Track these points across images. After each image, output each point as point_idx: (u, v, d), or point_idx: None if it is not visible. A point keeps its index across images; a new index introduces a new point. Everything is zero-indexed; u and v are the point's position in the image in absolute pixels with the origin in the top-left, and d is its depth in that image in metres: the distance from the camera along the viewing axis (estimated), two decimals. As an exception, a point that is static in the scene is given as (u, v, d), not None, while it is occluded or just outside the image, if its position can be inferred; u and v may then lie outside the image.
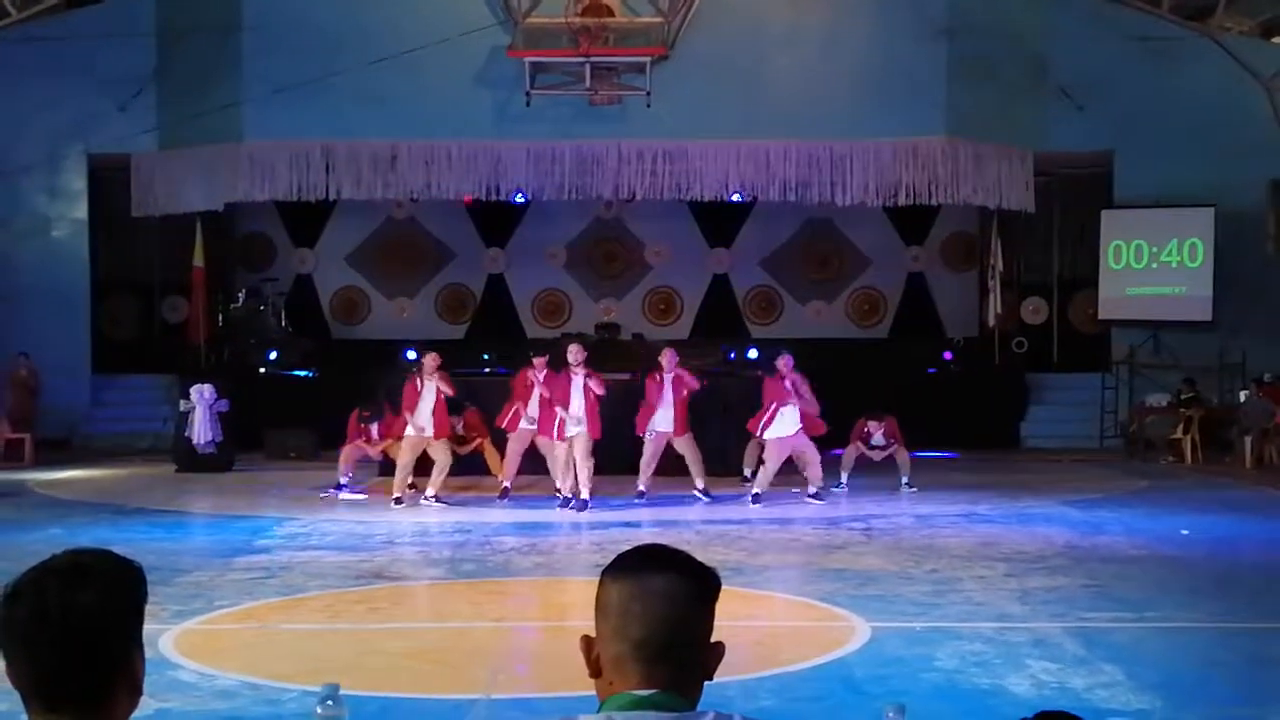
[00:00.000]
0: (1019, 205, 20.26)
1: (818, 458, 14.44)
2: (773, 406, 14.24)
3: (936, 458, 18.12)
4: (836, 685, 7.11)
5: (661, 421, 14.61)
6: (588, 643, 2.12)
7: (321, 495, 14.91)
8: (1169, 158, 20.13)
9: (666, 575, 2.09)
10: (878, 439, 15.92)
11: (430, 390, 14.29)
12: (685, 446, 14.64)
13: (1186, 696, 6.86)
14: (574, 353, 14.03)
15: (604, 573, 2.15)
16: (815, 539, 12.26)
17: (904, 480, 15.55)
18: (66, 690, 1.99)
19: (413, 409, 14.35)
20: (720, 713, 2.03)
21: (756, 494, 14.25)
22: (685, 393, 14.57)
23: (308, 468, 17.43)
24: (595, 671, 2.11)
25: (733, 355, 20.80)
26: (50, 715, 1.99)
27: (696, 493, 14.58)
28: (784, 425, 14.27)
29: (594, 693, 2.10)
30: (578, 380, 13.85)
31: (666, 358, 14.76)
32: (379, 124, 19.27)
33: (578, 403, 13.76)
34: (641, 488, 14.58)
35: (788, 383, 14.24)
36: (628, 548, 2.22)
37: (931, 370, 21.37)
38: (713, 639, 2.12)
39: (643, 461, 14.65)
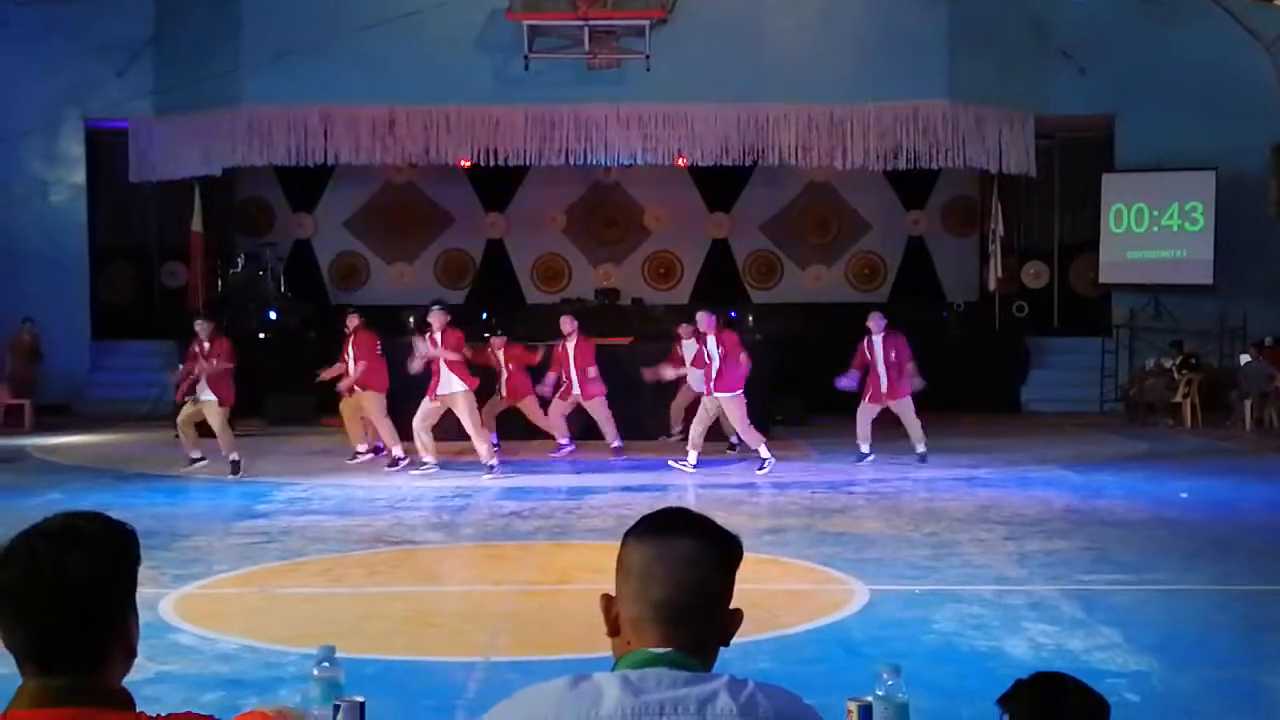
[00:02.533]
0: (1020, 169, 20.20)
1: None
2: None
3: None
4: (835, 648, 7.13)
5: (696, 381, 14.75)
6: (607, 601, 2.14)
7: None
8: (1170, 121, 20.07)
9: (691, 538, 2.11)
10: (880, 362, 14.65)
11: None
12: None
13: (1185, 658, 6.87)
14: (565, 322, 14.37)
15: (627, 533, 2.16)
16: (815, 503, 12.27)
17: (918, 450, 14.75)
18: (60, 652, 1.99)
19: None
20: (735, 677, 2.03)
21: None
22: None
23: (307, 432, 17.44)
24: (614, 630, 2.13)
25: (734, 314, 20.61)
26: (44, 677, 1.99)
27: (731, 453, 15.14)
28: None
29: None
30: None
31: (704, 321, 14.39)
32: (377, 88, 19.19)
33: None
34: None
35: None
36: (647, 511, 2.23)
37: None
38: (732, 605, 2.14)
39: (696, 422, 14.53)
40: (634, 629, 2.09)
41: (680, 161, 20.11)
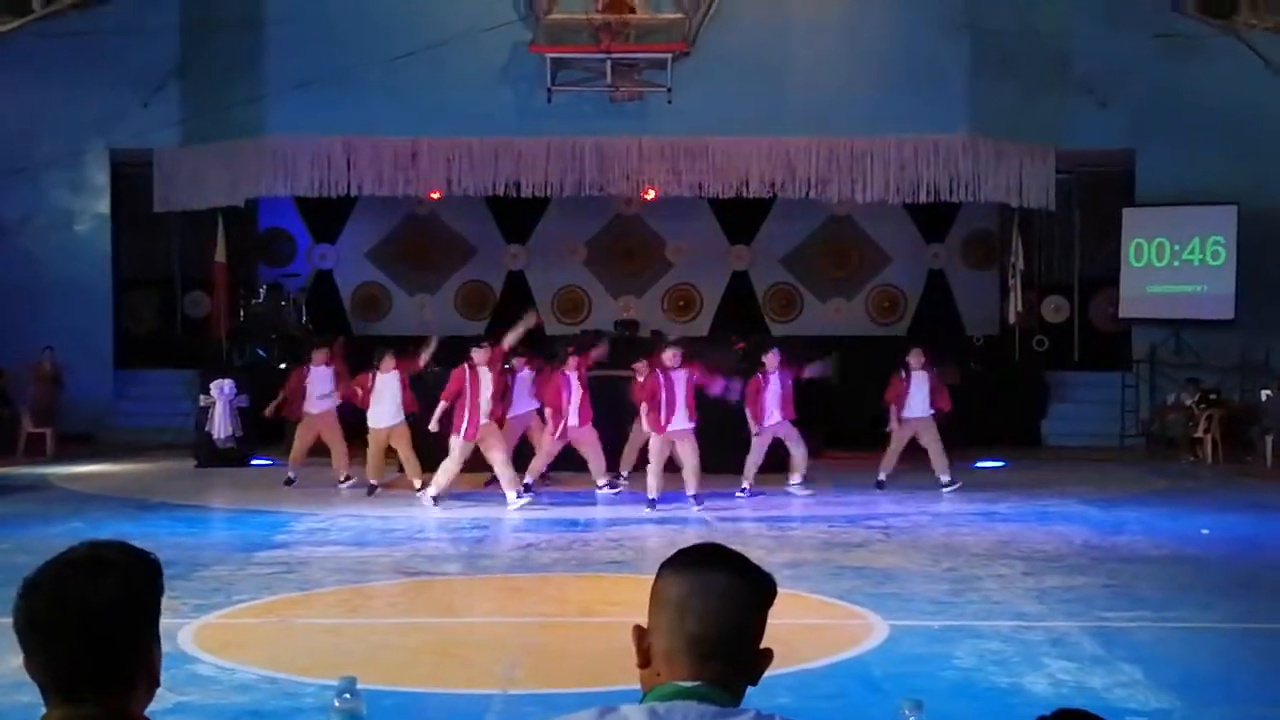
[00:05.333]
0: (1040, 203, 20.19)
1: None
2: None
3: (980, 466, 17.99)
4: (854, 683, 7.11)
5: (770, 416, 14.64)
6: (639, 633, 2.15)
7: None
8: (1191, 155, 20.04)
9: (728, 575, 2.13)
10: (919, 394, 14.96)
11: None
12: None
13: (1206, 696, 6.83)
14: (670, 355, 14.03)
15: (664, 565, 2.17)
16: (833, 537, 12.24)
17: (943, 480, 15.01)
18: (85, 681, 2.01)
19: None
20: (761, 712, 2.05)
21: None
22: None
23: (327, 462, 17.47)
24: (644, 662, 2.14)
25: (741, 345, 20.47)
26: (69, 706, 2.01)
27: (792, 488, 14.91)
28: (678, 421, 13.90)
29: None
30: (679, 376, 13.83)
31: (771, 357, 14.76)
32: (400, 120, 19.30)
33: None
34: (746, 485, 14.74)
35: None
36: (673, 544, 2.24)
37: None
38: (763, 645, 2.15)
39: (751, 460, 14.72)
40: (665, 661, 2.10)
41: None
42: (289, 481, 15.43)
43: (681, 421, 13.75)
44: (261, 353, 20.98)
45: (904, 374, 15.17)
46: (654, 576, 2.18)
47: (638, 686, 2.17)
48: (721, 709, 2.03)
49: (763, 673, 2.15)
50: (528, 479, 14.48)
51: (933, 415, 15.15)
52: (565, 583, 10.21)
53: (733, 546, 2.24)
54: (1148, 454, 19.42)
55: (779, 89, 19.49)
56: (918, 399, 15.10)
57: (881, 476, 15.24)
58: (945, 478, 15.09)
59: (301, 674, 7.15)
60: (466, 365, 13.88)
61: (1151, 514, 13.66)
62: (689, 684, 2.05)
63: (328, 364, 15.61)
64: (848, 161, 19.64)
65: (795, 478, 14.95)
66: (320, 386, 15.44)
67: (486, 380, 13.79)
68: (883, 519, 13.36)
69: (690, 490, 13.87)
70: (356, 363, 15.77)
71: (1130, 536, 12.28)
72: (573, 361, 14.66)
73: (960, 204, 21.02)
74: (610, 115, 19.23)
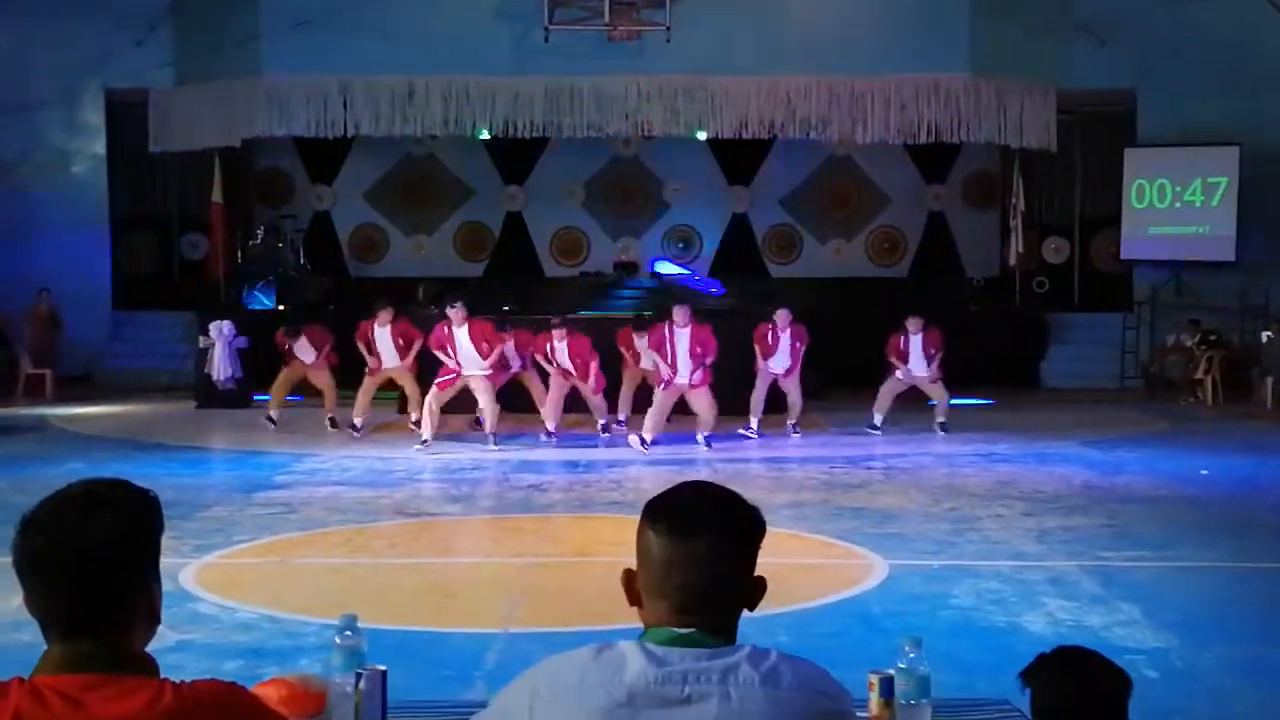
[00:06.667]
0: (1041, 144, 20.08)
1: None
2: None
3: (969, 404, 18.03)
4: (854, 622, 7.14)
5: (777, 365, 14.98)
6: (629, 576, 2.17)
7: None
8: (1193, 95, 19.93)
9: (711, 537, 2.11)
10: (916, 355, 15.08)
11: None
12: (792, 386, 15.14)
13: (1204, 635, 6.86)
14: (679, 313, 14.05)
15: (646, 515, 2.16)
16: (833, 477, 12.27)
17: (939, 421, 15.15)
18: (84, 618, 2.00)
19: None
20: (756, 646, 2.07)
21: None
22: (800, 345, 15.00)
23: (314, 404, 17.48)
24: (636, 602, 2.17)
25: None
26: (68, 643, 2.00)
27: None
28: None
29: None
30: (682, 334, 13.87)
31: (781, 316, 15.01)
32: (396, 59, 19.15)
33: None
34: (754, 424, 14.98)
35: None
36: (672, 484, 2.22)
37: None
38: (755, 574, 2.16)
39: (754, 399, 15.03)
40: (656, 606, 2.12)
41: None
42: (354, 427, 15.06)
43: (684, 376, 13.85)
44: (263, 298, 20.89)
45: (903, 339, 15.23)
46: (640, 516, 2.17)
47: (637, 625, 2.17)
48: (716, 649, 2.05)
49: (759, 601, 2.16)
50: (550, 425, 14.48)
51: (932, 376, 15.19)
52: (565, 523, 10.24)
53: (733, 489, 2.23)
54: (1147, 395, 19.44)
55: (778, 28, 19.33)
56: (917, 363, 15.16)
57: (876, 420, 15.23)
58: (941, 419, 15.18)
59: (303, 613, 7.17)
60: (443, 324, 14.10)
61: (1151, 455, 13.69)
62: (683, 630, 2.07)
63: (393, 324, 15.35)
64: (848, 101, 19.52)
65: (791, 418, 15.14)
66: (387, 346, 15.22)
67: (463, 339, 13.88)
68: (883, 460, 13.38)
69: (701, 429, 14.03)
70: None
71: (1129, 477, 12.31)
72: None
73: (961, 144, 20.91)
74: (608, 54, 19.07)
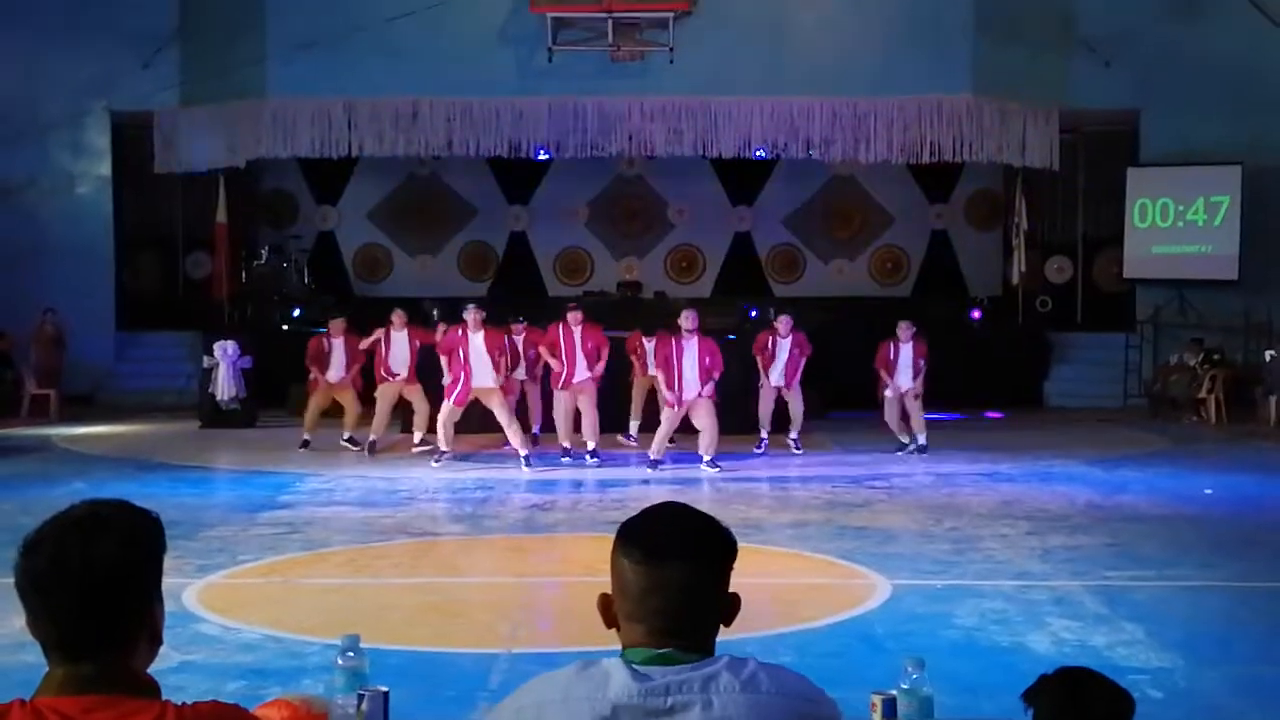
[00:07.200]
0: (1044, 163, 20.11)
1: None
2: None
3: (955, 420, 18.03)
4: (856, 642, 7.12)
5: (776, 376, 15.02)
6: (605, 600, 2.21)
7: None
8: (1196, 115, 19.95)
9: (683, 563, 2.15)
10: (905, 364, 15.01)
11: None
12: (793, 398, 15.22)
13: (1208, 656, 6.85)
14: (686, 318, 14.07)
15: (619, 541, 2.21)
16: (836, 497, 12.25)
17: (918, 441, 15.10)
18: (87, 640, 2.00)
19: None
20: (735, 656, 2.12)
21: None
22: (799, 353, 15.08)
23: (330, 424, 17.47)
24: (611, 624, 2.21)
25: (754, 313, 20.63)
26: (71, 665, 2.00)
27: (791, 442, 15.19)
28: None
29: (613, 647, 2.16)
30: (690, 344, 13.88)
31: (782, 322, 15.17)
32: (401, 80, 19.22)
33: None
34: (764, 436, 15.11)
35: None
36: (641, 509, 2.24)
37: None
38: (730, 591, 2.19)
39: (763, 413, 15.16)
40: (631, 633, 2.16)
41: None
42: (374, 446, 15.04)
43: (692, 390, 13.77)
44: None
45: (894, 346, 15.22)
46: (614, 540, 2.21)
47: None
48: (694, 665, 2.09)
49: (733, 617, 2.20)
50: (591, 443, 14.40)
51: (916, 391, 15.16)
52: (569, 543, 10.24)
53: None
54: (1151, 414, 19.42)
55: (781, 48, 19.40)
56: (904, 371, 15.14)
57: (905, 440, 15.22)
58: (921, 439, 15.11)
59: (305, 633, 7.17)
60: (457, 327, 14.16)
61: (1154, 474, 13.67)
62: (660, 650, 2.11)
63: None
64: (851, 121, 19.56)
65: (793, 432, 15.17)
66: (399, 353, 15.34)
67: (478, 344, 13.84)
68: (885, 479, 13.37)
69: (703, 451, 13.84)
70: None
71: (1133, 496, 12.29)
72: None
73: (964, 164, 20.95)
74: (611, 75, 19.14)
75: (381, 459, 14.78)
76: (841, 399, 17.89)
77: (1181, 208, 20.51)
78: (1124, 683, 2.85)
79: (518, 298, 21.80)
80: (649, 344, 14.99)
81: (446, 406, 13.96)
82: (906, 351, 15.13)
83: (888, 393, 15.14)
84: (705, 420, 13.79)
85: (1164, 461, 14.70)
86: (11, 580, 2.02)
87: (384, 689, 2.86)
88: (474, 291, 23.05)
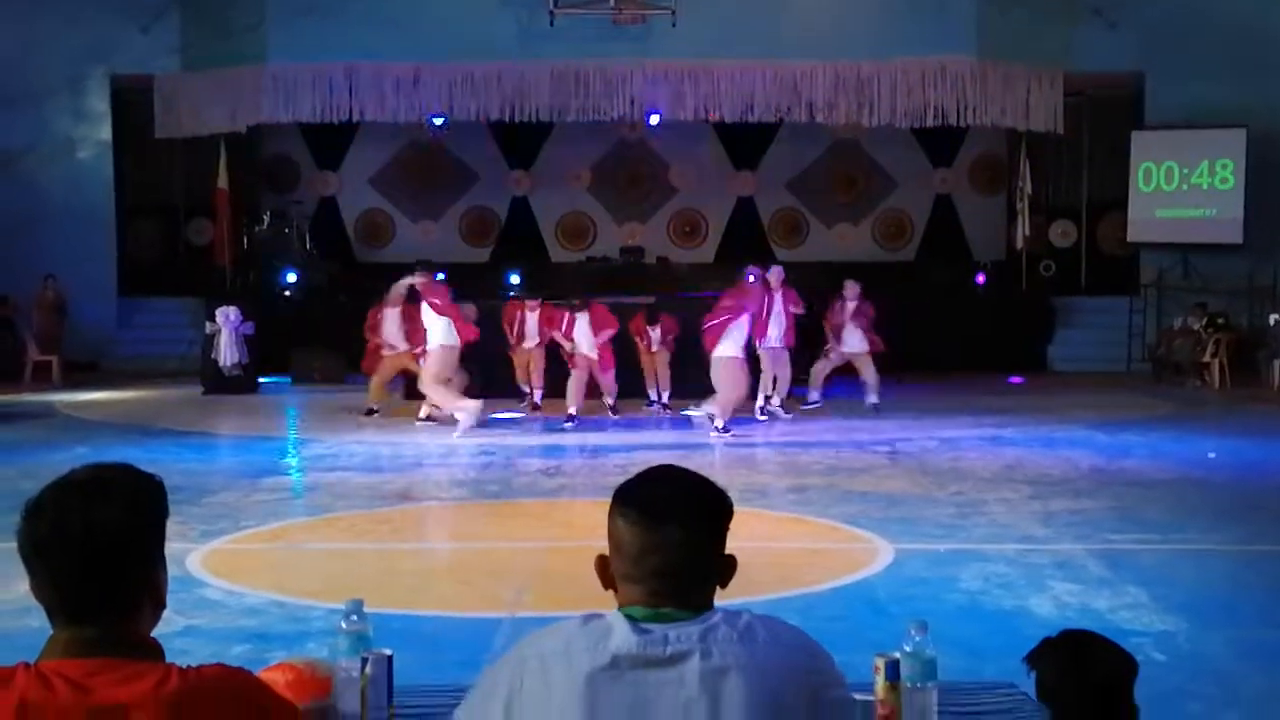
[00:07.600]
0: (1048, 127, 20.05)
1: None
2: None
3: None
4: (860, 605, 7.13)
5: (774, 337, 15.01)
6: (602, 561, 2.26)
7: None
8: (1201, 78, 19.86)
9: (680, 524, 2.18)
10: (850, 325, 15.25)
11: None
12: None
13: (1211, 619, 6.85)
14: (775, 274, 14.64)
15: (616, 502, 2.23)
16: (839, 462, 12.25)
17: (871, 402, 15.29)
18: (90, 604, 2.00)
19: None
20: (730, 609, 2.17)
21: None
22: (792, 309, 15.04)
23: (333, 389, 17.49)
24: (609, 586, 2.26)
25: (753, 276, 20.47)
26: (74, 628, 2.01)
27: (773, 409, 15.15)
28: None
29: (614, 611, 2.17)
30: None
31: (774, 275, 15.02)
32: (401, 45, 19.14)
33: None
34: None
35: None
36: (638, 472, 2.27)
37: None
38: (726, 552, 2.23)
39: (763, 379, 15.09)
40: (628, 594, 2.20)
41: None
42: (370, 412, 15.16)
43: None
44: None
45: (839, 305, 15.40)
46: (610, 502, 2.23)
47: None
48: (689, 622, 2.14)
49: (730, 578, 2.24)
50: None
51: (867, 351, 15.35)
52: (572, 507, 10.24)
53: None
54: (1154, 378, 19.41)
55: (784, 11, 19.31)
56: (852, 334, 15.30)
57: (813, 396, 15.50)
58: (873, 398, 15.30)
59: (309, 598, 7.18)
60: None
61: (1158, 438, 13.67)
62: (658, 609, 2.16)
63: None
64: (854, 85, 19.49)
65: (775, 400, 15.15)
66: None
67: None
68: (889, 444, 13.36)
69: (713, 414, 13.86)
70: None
71: (1137, 460, 12.29)
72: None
73: (967, 128, 20.89)
74: (613, 38, 19.04)
75: (384, 424, 14.78)
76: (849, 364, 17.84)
77: (1186, 171, 20.45)
78: (1127, 646, 2.85)
79: (520, 263, 21.78)
80: (653, 331, 15.37)
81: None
82: (852, 311, 15.37)
83: (832, 355, 15.48)
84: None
85: (1168, 425, 14.69)
86: (14, 544, 2.02)
87: (388, 652, 2.85)
88: (476, 257, 23.07)
